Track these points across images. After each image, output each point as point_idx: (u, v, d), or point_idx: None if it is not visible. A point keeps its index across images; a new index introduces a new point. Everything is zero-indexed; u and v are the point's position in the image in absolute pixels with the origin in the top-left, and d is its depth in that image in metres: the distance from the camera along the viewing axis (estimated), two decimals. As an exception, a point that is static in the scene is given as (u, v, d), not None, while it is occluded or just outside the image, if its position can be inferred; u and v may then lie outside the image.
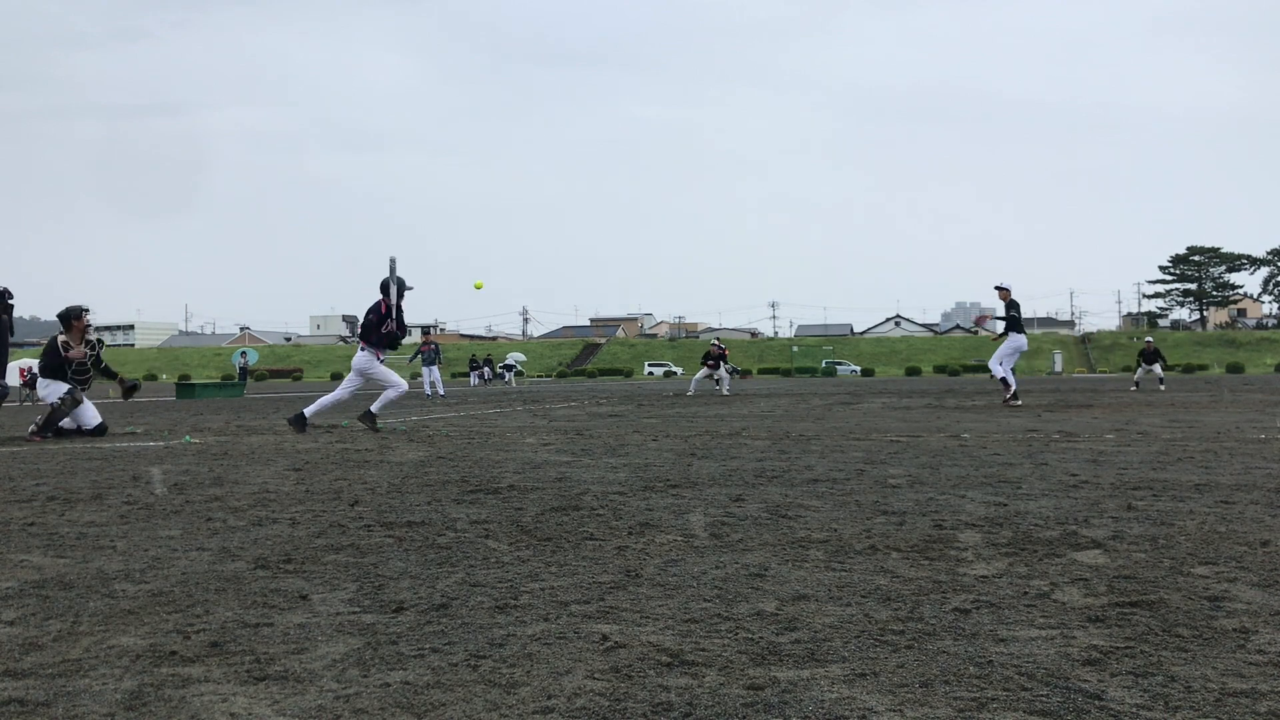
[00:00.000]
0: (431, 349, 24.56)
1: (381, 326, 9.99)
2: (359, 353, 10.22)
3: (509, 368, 50.29)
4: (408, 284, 10.09)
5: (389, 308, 9.97)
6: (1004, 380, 15.19)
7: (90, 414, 9.90)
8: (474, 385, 43.25)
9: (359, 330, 10.20)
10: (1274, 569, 2.88)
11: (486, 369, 50.68)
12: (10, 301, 9.60)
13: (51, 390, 9.86)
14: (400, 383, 10.31)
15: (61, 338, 9.94)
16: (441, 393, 23.97)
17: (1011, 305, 15.30)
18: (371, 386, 10.61)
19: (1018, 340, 15.10)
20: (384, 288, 10.02)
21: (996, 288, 15.40)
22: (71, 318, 9.93)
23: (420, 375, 25.10)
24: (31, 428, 9.74)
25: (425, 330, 28.47)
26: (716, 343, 25.07)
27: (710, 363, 25.26)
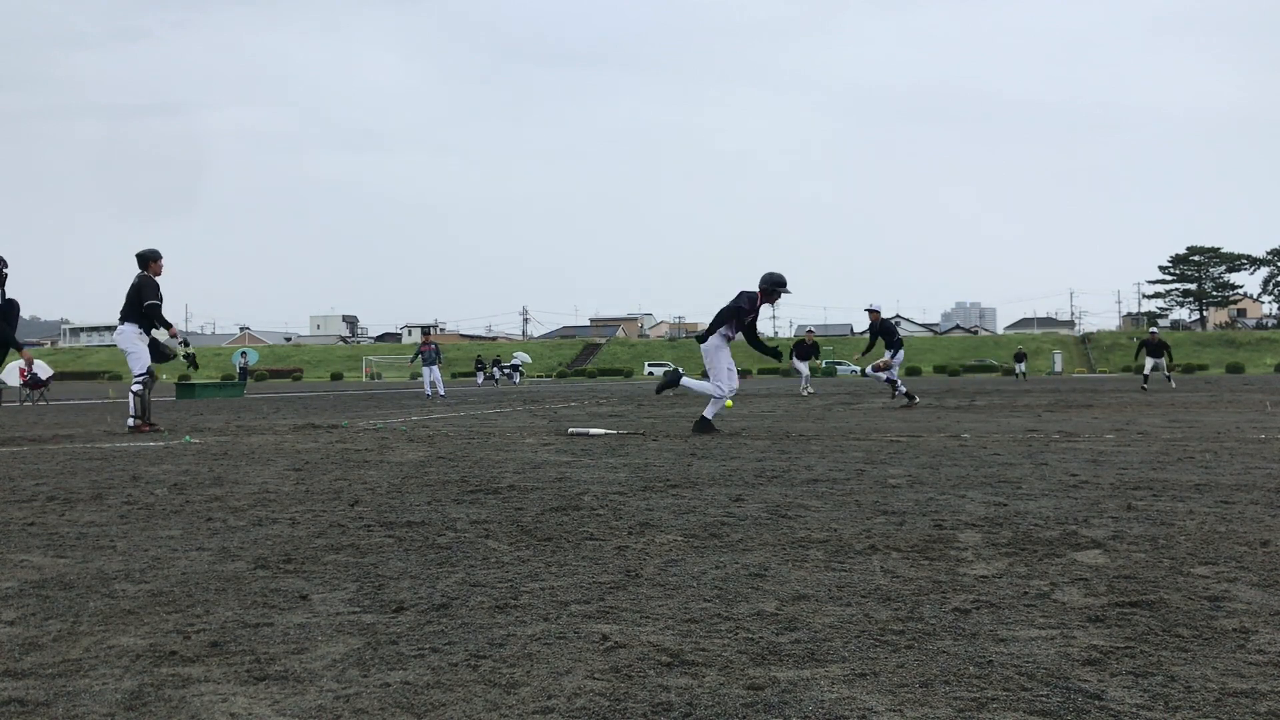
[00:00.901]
0: (431, 349, 24.67)
1: (737, 317, 9.36)
2: (711, 338, 9.48)
3: (514, 368, 50.75)
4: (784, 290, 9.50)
5: (756, 306, 9.44)
6: (899, 389, 15.90)
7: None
8: (481, 385, 43.80)
9: (719, 314, 9.44)
10: (1274, 569, 2.88)
11: (497, 370, 51.34)
12: (4, 271, 9.67)
13: (131, 348, 10.18)
14: (722, 376, 9.36)
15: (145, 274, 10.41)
16: (442, 393, 24.04)
17: (884, 329, 15.96)
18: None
19: (899, 355, 16.12)
20: (772, 290, 9.50)
21: (867, 310, 16.10)
22: (150, 259, 10.43)
23: (420, 375, 25.11)
24: (131, 422, 9.99)
25: (425, 330, 28.53)
26: (812, 330, 23.60)
27: (800, 354, 24.11)
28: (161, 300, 10.38)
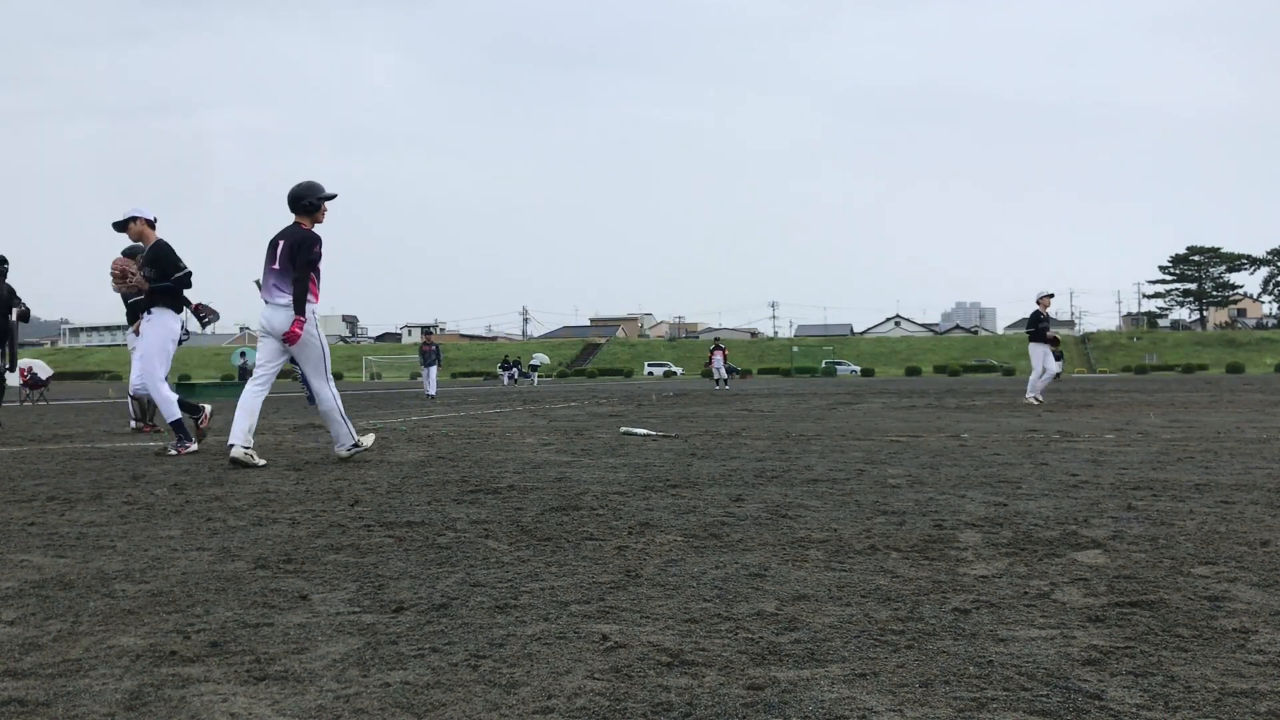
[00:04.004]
0: (431, 350, 24.62)
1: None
2: None
3: (534, 368, 51.43)
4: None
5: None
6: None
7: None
8: (506, 385, 44.55)
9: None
10: (1274, 569, 2.88)
11: (515, 369, 52.16)
12: (4, 267, 9.68)
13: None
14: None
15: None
16: (432, 393, 23.92)
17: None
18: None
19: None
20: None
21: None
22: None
23: (421, 375, 24.98)
24: (133, 424, 10.05)
25: (426, 330, 28.50)
26: (1052, 294, 16.77)
27: (1054, 346, 16.45)
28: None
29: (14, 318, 10.10)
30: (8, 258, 9.93)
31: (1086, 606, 2.49)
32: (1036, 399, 16.02)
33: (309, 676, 2.00)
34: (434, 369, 24.27)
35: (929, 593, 2.65)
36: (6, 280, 10.04)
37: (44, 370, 21.40)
